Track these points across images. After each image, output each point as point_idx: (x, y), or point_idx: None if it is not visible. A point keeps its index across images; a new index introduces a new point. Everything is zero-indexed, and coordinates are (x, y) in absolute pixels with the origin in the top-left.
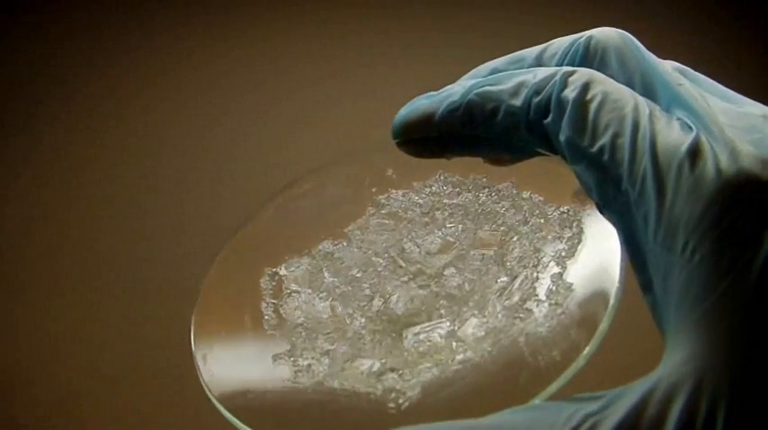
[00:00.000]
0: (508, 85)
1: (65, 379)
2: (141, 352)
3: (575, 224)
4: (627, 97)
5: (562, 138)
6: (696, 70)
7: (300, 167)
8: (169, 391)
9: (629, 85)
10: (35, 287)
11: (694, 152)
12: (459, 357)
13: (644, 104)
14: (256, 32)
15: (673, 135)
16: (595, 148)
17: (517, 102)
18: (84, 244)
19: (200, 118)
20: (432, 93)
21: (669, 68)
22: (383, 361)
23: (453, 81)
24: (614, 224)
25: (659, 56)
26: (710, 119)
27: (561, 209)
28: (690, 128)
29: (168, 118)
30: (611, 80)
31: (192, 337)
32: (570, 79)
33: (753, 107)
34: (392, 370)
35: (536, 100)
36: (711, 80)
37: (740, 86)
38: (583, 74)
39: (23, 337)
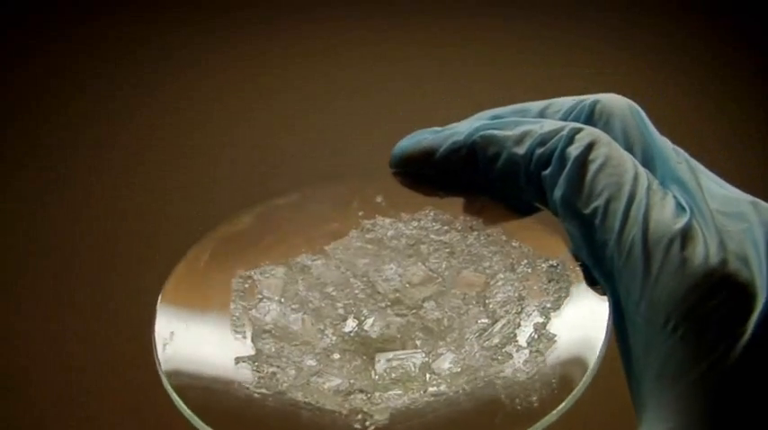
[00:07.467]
0: (514, 131)
1: (64, 379)
2: (143, 352)
3: (563, 278)
4: (628, 165)
5: (558, 193)
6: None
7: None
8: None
9: (629, 153)
10: (36, 287)
11: (686, 234)
12: (433, 390)
13: (644, 176)
14: (261, 40)
15: (667, 213)
16: (589, 210)
17: (520, 150)
18: (85, 244)
19: (200, 121)
20: (436, 128)
21: (670, 145)
22: (351, 381)
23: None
24: (603, 285)
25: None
26: (703, 203)
27: (550, 261)
28: (684, 209)
29: (177, 122)
30: (617, 144)
31: (156, 325)
32: (577, 136)
33: (742, 194)
34: (361, 391)
35: (539, 151)
36: (704, 167)
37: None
38: (590, 133)
39: (23, 338)
